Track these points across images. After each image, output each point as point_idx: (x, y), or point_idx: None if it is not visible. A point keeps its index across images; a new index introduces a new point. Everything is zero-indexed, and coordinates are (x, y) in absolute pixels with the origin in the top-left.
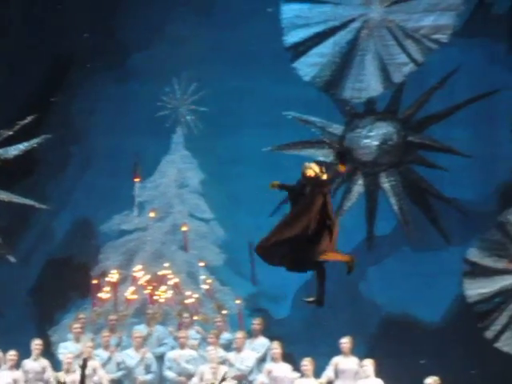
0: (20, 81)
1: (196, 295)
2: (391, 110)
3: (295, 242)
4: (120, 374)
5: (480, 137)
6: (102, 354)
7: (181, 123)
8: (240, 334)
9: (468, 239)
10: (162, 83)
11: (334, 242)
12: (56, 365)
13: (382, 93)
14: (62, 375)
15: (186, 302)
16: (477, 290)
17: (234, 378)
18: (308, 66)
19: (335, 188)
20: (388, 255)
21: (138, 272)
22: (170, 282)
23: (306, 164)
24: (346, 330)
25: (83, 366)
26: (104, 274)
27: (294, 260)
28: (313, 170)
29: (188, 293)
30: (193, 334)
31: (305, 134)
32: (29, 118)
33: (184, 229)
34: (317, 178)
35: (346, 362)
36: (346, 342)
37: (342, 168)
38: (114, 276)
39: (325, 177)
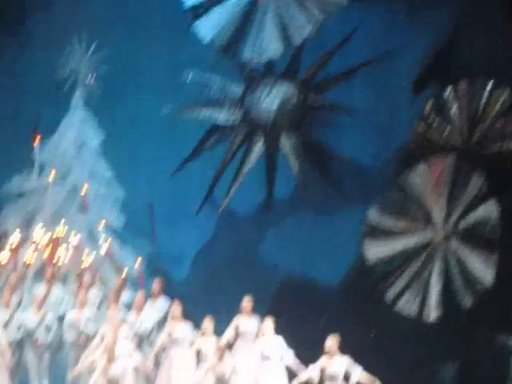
0: None
1: (96, 255)
2: (291, 71)
3: None
4: (20, 335)
5: (380, 100)
6: (3, 313)
7: (80, 84)
8: (140, 294)
9: (368, 200)
10: (63, 43)
11: None
12: None
13: (281, 54)
14: None
15: (86, 262)
16: (377, 250)
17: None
18: (207, 28)
19: (234, 150)
20: (287, 217)
21: (38, 233)
22: (70, 243)
23: None
24: (246, 290)
25: None
26: (3, 235)
27: None
28: None
29: (88, 253)
30: (93, 294)
31: (204, 96)
32: None
33: (84, 190)
34: None
35: (246, 323)
36: (246, 301)
37: None
38: (14, 237)
39: None
